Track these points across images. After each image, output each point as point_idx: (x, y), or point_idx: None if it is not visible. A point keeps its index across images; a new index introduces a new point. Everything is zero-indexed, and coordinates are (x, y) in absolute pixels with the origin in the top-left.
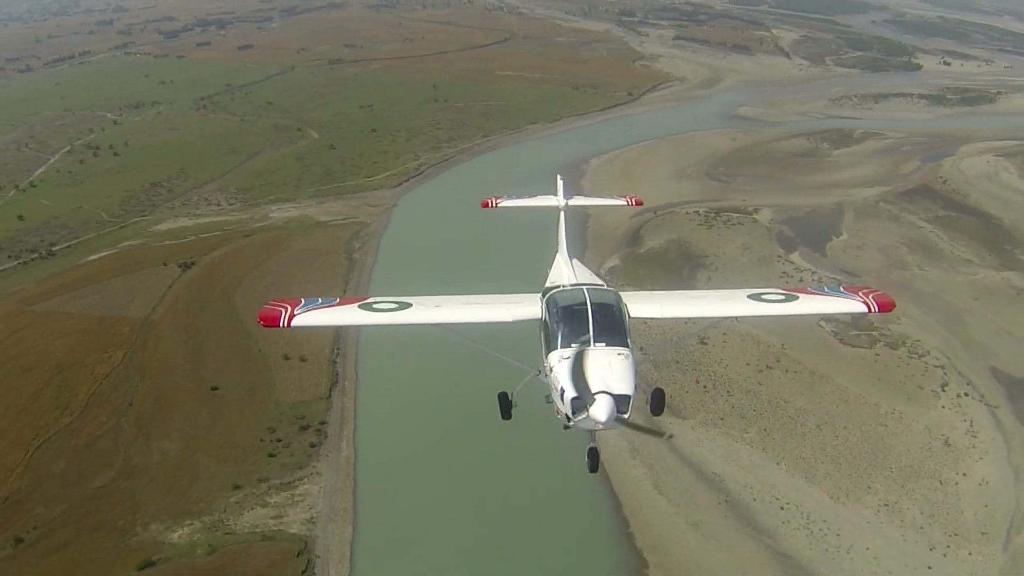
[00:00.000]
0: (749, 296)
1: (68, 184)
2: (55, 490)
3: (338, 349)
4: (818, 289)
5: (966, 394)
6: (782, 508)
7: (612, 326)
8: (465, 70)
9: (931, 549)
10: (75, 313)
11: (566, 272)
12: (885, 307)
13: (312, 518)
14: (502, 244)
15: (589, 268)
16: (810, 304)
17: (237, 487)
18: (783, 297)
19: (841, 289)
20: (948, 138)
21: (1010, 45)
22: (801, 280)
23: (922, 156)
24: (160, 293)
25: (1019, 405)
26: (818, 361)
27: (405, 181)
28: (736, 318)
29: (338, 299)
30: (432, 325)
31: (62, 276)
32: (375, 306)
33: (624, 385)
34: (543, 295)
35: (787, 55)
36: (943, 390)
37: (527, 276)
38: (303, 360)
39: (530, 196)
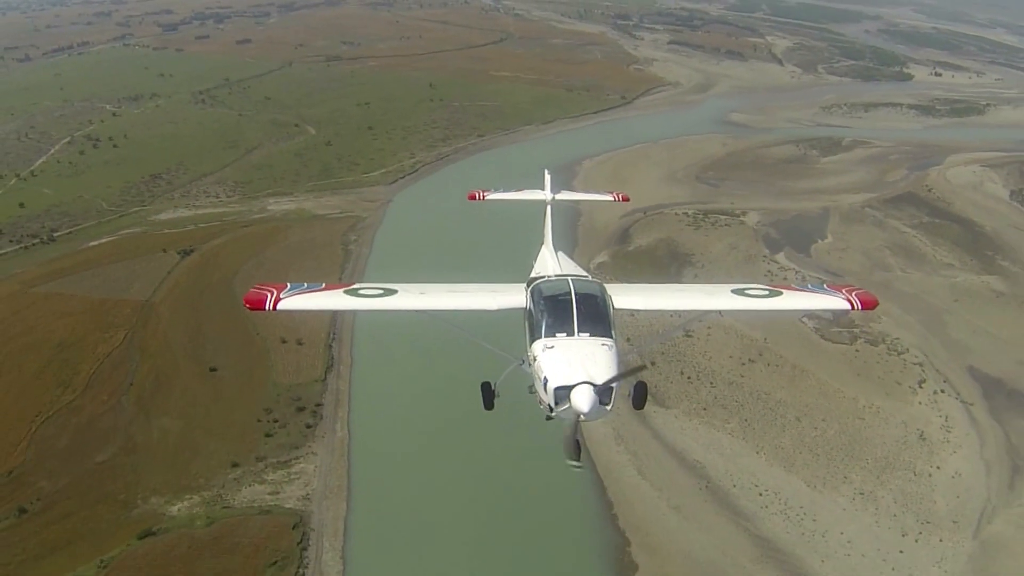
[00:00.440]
0: (733, 291)
1: (69, 174)
2: (58, 465)
3: (334, 334)
4: (802, 286)
5: (942, 391)
6: (761, 494)
7: (596, 317)
8: (461, 70)
9: (903, 535)
10: (77, 295)
11: (551, 263)
12: (868, 305)
13: (307, 495)
14: (492, 239)
15: (578, 264)
16: (793, 300)
17: (235, 465)
18: (767, 293)
19: (825, 287)
20: (936, 148)
21: (1002, 57)
22: (785, 279)
23: (909, 165)
24: (160, 278)
25: (994, 402)
26: (799, 356)
27: (401, 178)
28: (720, 312)
29: (324, 284)
30: (416, 312)
31: (63, 260)
32: (360, 292)
33: (607, 376)
34: (528, 285)
35: (780, 62)
36: (920, 386)
37: (515, 268)
38: (300, 344)
39: (517, 190)
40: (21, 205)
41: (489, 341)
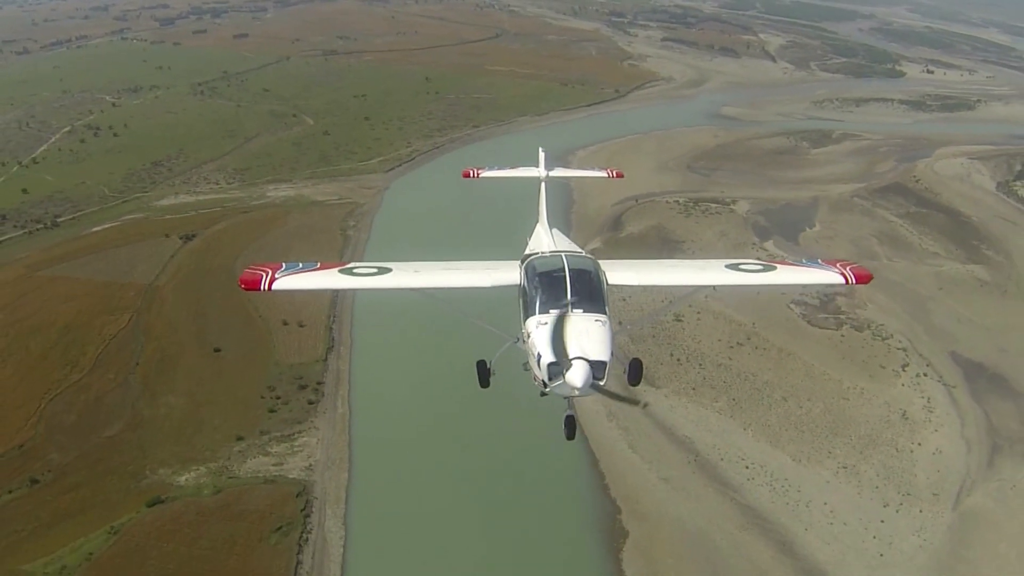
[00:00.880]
0: (727, 266)
1: (70, 162)
2: (67, 439)
3: (334, 316)
4: (796, 261)
5: (925, 374)
6: (747, 467)
7: (590, 292)
8: (457, 64)
9: (884, 506)
10: (81, 278)
11: (546, 240)
12: (862, 279)
13: (310, 466)
14: (489, 221)
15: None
16: (788, 275)
17: (240, 438)
18: (761, 267)
19: (819, 261)
20: (925, 141)
21: (994, 56)
22: None
23: (898, 157)
24: (163, 262)
25: (975, 385)
26: (786, 339)
27: (397, 166)
28: (714, 287)
29: (319, 263)
30: (411, 289)
31: (67, 245)
32: (355, 271)
33: (601, 351)
34: (522, 261)
35: (773, 59)
36: (903, 370)
37: (512, 248)
38: (301, 325)
39: (511, 167)
40: (24, 191)
41: (485, 320)
